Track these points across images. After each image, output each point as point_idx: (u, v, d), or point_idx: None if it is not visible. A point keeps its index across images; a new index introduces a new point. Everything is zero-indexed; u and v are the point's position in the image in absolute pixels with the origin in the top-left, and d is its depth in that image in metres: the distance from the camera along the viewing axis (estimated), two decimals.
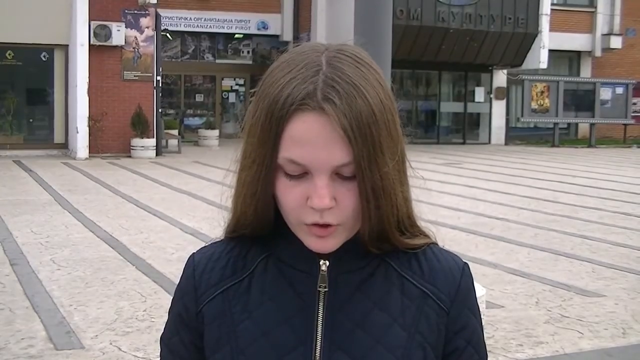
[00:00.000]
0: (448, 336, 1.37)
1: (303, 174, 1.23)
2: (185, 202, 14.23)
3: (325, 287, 1.33)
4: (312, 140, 1.20)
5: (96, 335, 6.61)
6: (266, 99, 1.24)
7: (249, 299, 1.36)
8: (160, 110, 24.83)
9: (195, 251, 1.45)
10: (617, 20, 35.79)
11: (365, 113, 1.21)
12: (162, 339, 1.46)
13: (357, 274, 1.35)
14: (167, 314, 1.47)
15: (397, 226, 1.33)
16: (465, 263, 1.43)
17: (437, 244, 1.44)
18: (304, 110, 1.20)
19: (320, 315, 1.32)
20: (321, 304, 1.33)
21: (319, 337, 1.31)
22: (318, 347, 1.31)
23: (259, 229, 1.36)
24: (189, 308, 1.40)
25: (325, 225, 1.25)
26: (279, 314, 1.33)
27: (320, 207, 1.22)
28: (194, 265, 1.42)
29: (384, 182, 1.24)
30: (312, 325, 1.32)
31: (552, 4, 31.97)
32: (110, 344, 6.41)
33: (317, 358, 1.30)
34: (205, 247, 1.45)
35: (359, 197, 1.24)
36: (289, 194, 1.25)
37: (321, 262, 1.32)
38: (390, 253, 1.36)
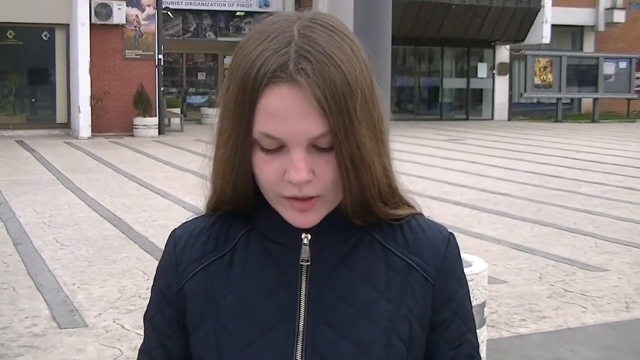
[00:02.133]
0: (435, 308, 1.35)
1: (279, 147, 1.21)
2: (188, 181, 14.20)
3: (307, 261, 1.31)
4: (286, 113, 1.18)
5: (99, 314, 6.63)
6: (238, 72, 1.21)
7: (231, 274, 1.34)
8: (162, 89, 24.81)
9: (176, 227, 1.43)
10: None
11: (340, 82, 1.18)
12: (146, 317, 1.44)
13: (340, 246, 1.33)
14: (150, 291, 1.45)
15: (379, 197, 1.30)
16: (451, 233, 1.40)
17: (422, 214, 1.41)
18: (277, 83, 1.17)
19: (304, 289, 1.30)
20: (304, 278, 1.31)
21: (302, 312, 1.29)
22: (301, 322, 1.29)
23: (240, 205, 1.33)
24: (171, 285, 1.38)
25: (306, 199, 1.23)
26: (261, 289, 1.31)
27: (298, 181, 1.20)
28: (175, 241, 1.41)
29: (362, 152, 1.21)
30: (295, 299, 1.30)
31: None
32: (114, 322, 6.43)
33: (301, 333, 1.28)
34: (186, 222, 1.43)
35: (337, 168, 1.22)
36: (265, 169, 1.23)
37: (303, 236, 1.30)
38: (374, 225, 1.34)
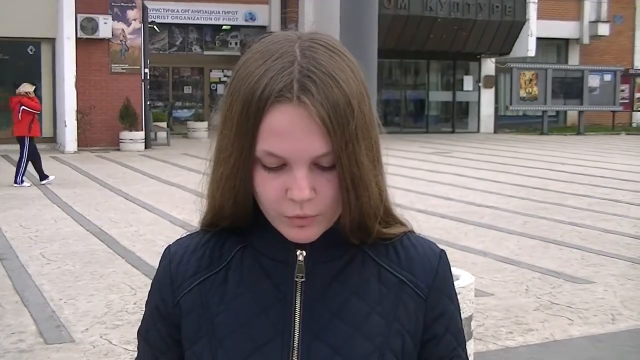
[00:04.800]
0: (426, 323, 1.36)
1: (281, 165, 1.22)
2: (175, 195, 14.21)
3: (302, 277, 1.32)
4: (291, 132, 1.19)
5: (86, 329, 6.61)
6: (241, 91, 1.22)
7: (226, 290, 1.35)
8: (148, 103, 24.77)
9: (171, 243, 1.44)
10: (604, 7, 35.80)
11: (342, 103, 1.20)
12: (140, 332, 1.45)
13: (334, 263, 1.34)
14: (144, 306, 1.46)
15: (375, 216, 1.32)
16: (442, 250, 1.42)
17: (414, 232, 1.43)
18: (282, 102, 1.19)
19: (298, 305, 1.31)
20: (298, 294, 1.32)
21: (296, 328, 1.30)
22: (296, 338, 1.30)
23: (237, 222, 1.35)
24: (166, 300, 1.39)
25: (306, 216, 1.24)
26: (256, 305, 1.32)
27: (300, 199, 1.21)
28: (169, 257, 1.41)
29: (361, 172, 1.23)
30: (290, 316, 1.31)
31: None
32: (101, 337, 6.41)
33: (295, 349, 1.30)
34: (181, 238, 1.44)
35: (338, 187, 1.23)
36: (267, 187, 1.24)
37: (298, 252, 1.32)
38: (367, 242, 1.35)
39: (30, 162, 15.82)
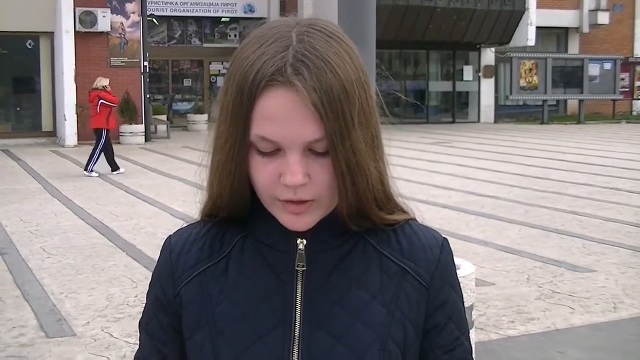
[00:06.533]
0: (428, 312, 1.35)
1: (275, 150, 1.21)
2: (175, 187, 14.21)
3: (303, 266, 1.31)
4: (283, 116, 1.18)
5: (87, 322, 6.61)
6: (236, 75, 1.22)
7: (227, 280, 1.34)
8: (148, 96, 24.77)
9: (171, 233, 1.43)
10: None
11: (336, 88, 1.18)
12: (141, 323, 1.44)
13: (335, 252, 1.33)
14: (145, 298, 1.45)
15: (374, 202, 1.30)
16: (445, 238, 1.41)
17: (415, 220, 1.41)
18: (274, 86, 1.18)
19: (299, 294, 1.30)
20: (299, 283, 1.31)
21: (298, 317, 1.29)
22: (297, 327, 1.29)
23: (235, 210, 1.34)
24: (167, 291, 1.38)
25: (300, 202, 1.23)
26: (257, 294, 1.31)
27: (293, 184, 1.20)
28: (170, 247, 1.40)
29: (358, 157, 1.22)
30: (291, 304, 1.30)
31: None
32: (102, 330, 6.40)
33: (297, 338, 1.29)
34: (181, 229, 1.43)
35: (333, 173, 1.22)
36: (261, 172, 1.23)
37: (299, 241, 1.31)
38: (369, 230, 1.34)
39: (102, 153, 16.31)
